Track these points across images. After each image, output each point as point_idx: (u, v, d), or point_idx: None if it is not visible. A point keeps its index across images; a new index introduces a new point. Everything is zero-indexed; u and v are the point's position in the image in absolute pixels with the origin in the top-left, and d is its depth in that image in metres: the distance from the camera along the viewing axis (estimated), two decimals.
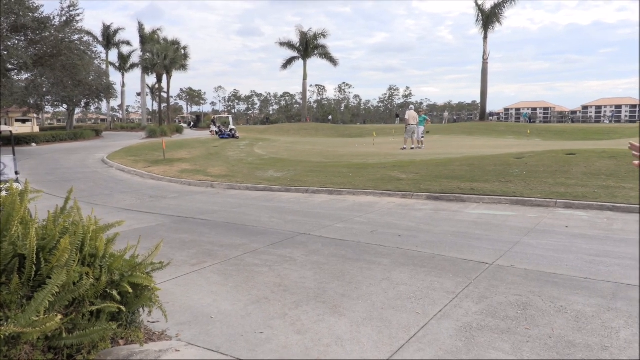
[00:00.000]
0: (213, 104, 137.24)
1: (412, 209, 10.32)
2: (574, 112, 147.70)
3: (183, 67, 56.31)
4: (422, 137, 24.04)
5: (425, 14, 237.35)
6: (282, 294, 5.19)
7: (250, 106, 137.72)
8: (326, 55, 58.19)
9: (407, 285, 5.42)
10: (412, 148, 22.63)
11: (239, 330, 4.29)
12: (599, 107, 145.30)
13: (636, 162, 1.84)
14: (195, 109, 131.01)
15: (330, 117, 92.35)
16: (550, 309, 4.67)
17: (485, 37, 48.66)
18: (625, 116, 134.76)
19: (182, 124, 63.07)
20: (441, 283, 5.46)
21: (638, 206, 9.44)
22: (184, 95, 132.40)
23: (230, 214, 10.16)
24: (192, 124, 65.12)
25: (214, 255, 6.84)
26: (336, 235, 7.96)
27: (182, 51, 56.84)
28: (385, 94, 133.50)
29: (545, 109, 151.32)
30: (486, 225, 8.54)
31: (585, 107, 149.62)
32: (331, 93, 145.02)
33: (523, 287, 5.31)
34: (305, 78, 59.12)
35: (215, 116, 53.52)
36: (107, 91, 45.34)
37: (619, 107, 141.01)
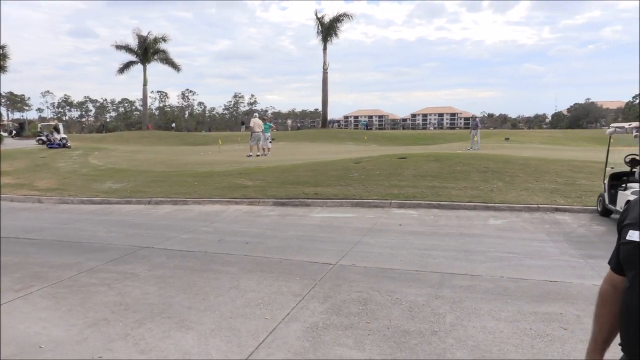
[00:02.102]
0: (40, 110, 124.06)
1: (259, 215, 10.40)
2: (404, 120, 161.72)
3: (2, 68, 50.10)
4: (270, 143, 24.39)
5: (267, 23, 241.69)
6: (123, 313, 4.87)
7: (84, 113, 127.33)
8: (168, 61, 56.17)
9: (255, 291, 5.44)
10: (257, 155, 22.83)
11: (74, 358, 3.92)
12: (425, 115, 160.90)
13: None
14: (17, 115, 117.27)
15: (173, 125, 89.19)
16: (388, 302, 5.04)
17: (325, 49, 51.12)
18: (447, 123, 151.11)
19: (1, 133, 55.98)
20: (289, 287, 5.58)
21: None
22: (3, 100, 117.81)
23: (63, 231, 9.27)
24: (15, 132, 58.15)
25: (44, 277, 6.18)
26: (182, 246, 7.71)
27: (0, 50, 50.54)
28: (231, 102, 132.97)
29: (381, 116, 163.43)
30: (330, 228, 8.94)
31: (414, 115, 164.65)
32: (174, 100, 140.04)
33: (364, 283, 5.65)
34: (145, 84, 56.39)
35: (42, 124, 48.41)
36: None
37: (441, 115, 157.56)
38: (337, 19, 49.98)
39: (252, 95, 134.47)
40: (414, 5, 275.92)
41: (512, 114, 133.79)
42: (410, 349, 4.00)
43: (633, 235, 1.53)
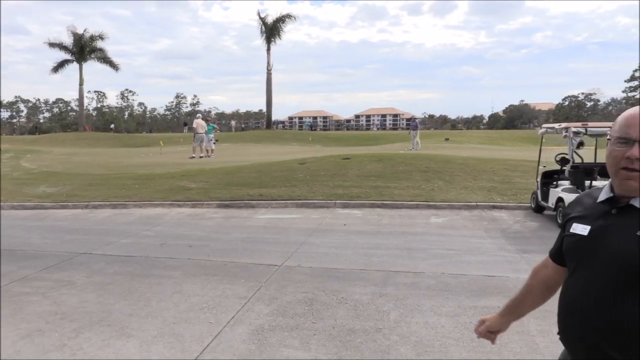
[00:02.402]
0: None
1: (203, 218, 10.22)
2: (348, 121, 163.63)
3: None
4: (213, 144, 24.03)
5: (209, 23, 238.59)
6: (59, 323, 4.66)
7: (15, 114, 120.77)
8: (105, 60, 54.21)
9: (199, 295, 5.34)
10: (201, 157, 22.44)
11: None
12: (368, 116, 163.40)
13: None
14: None
15: (112, 126, 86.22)
16: (333, 302, 5.08)
17: (269, 49, 50.86)
18: (389, 124, 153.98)
19: None
20: (233, 290, 5.51)
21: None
22: None
23: None
24: None
25: None
26: (122, 251, 7.46)
27: None
28: (173, 102, 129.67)
29: (325, 117, 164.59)
30: (275, 229, 8.90)
31: (357, 116, 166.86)
32: (113, 100, 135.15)
33: (309, 284, 5.67)
34: (81, 83, 54.15)
35: None
36: None
37: (384, 116, 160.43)
38: (280, 20, 49.86)
39: (195, 96, 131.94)
40: (356, 7, 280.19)
41: (452, 115, 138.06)
42: (355, 347, 4.05)
43: (576, 228, 1.61)
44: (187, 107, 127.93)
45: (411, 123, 27.94)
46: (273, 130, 54.28)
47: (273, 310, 4.85)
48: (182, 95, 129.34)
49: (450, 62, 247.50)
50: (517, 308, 1.95)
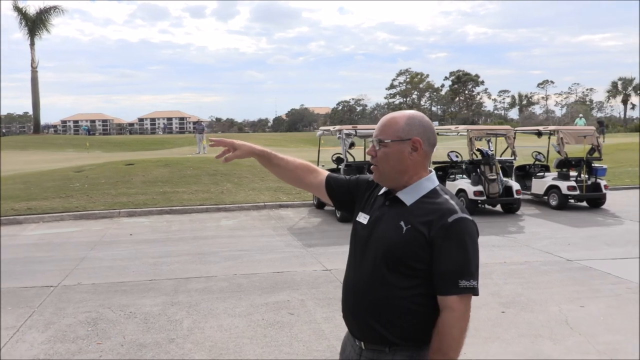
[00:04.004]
0: None
1: None
2: (131, 124, 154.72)
3: None
4: None
5: None
6: None
7: None
8: None
9: None
10: None
11: None
12: (153, 119, 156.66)
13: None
14: None
15: None
16: (121, 318, 4.76)
17: (33, 44, 45.09)
18: (176, 127, 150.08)
19: None
20: None
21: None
22: None
23: None
24: None
25: None
26: None
27: None
28: None
29: (104, 121, 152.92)
30: (49, 246, 7.97)
31: (141, 119, 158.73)
32: None
33: (92, 302, 5.21)
34: None
35: None
36: None
37: (170, 119, 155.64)
38: (45, 11, 44.60)
39: None
40: (136, 5, 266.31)
41: (238, 118, 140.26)
42: None
43: (360, 217, 1.79)
44: None
45: (197, 126, 27.68)
46: (43, 135, 48.34)
47: (50, 337, 4.34)
48: None
49: (235, 65, 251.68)
50: (270, 164, 2.00)
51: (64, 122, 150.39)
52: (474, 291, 1.55)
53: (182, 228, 9.17)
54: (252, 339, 4.25)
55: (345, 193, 1.91)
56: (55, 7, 44.94)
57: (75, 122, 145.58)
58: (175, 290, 5.55)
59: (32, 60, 45.34)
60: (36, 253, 7.50)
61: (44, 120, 56.94)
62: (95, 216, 10.24)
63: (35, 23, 44.35)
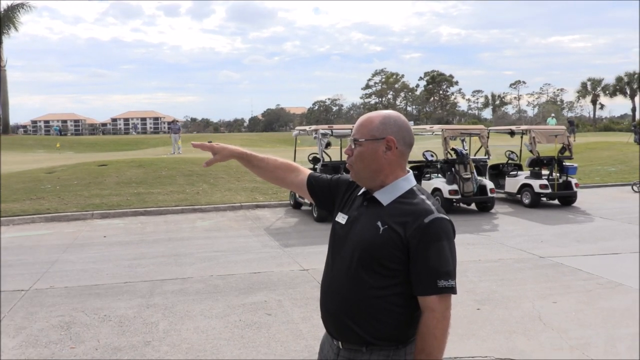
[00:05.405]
0: None
1: None
2: (104, 125, 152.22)
3: None
4: None
5: None
6: None
7: None
8: None
9: None
10: None
11: None
12: (127, 120, 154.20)
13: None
14: None
15: None
16: (95, 321, 4.68)
17: (0, 42, 44.00)
18: (150, 128, 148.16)
19: None
20: None
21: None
22: None
23: None
24: None
25: None
26: None
27: None
28: None
29: (76, 121, 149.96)
30: (19, 249, 7.78)
31: (114, 120, 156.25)
32: None
33: (65, 306, 5.11)
34: None
35: None
36: None
37: (144, 119, 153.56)
38: (13, 8, 43.54)
39: None
40: (107, 4, 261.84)
41: (214, 118, 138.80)
42: None
43: (338, 217, 1.80)
44: None
45: (172, 126, 27.34)
46: (11, 136, 47.16)
47: (21, 342, 4.24)
48: None
49: (210, 65, 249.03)
50: (251, 165, 2.01)
51: (34, 122, 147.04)
52: (453, 290, 1.58)
53: (157, 229, 9.06)
54: (230, 340, 4.23)
55: (326, 192, 1.92)
56: (23, 4, 43.94)
57: (46, 122, 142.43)
58: (150, 293, 5.48)
59: (0, 59, 44.24)
60: (6, 257, 7.31)
61: (13, 120, 55.59)
62: (68, 218, 10.05)
63: (2, 20, 43.26)
